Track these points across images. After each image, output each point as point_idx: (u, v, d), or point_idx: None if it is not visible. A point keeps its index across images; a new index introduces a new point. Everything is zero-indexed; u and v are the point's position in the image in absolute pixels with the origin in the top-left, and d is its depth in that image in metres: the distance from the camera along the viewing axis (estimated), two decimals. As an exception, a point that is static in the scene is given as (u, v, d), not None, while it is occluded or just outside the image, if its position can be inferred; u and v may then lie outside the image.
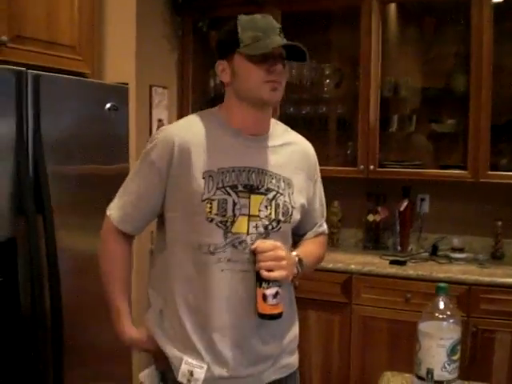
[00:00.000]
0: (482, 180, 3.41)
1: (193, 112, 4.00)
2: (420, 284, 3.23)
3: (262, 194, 1.73)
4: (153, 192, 1.74)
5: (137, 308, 2.34)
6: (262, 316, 1.66)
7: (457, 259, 3.54)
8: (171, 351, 1.75)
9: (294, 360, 1.90)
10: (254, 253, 1.67)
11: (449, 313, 1.59)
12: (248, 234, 1.71)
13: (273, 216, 1.74)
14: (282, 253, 1.67)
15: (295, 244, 1.90)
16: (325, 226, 2.02)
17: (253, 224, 1.71)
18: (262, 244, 1.67)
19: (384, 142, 3.71)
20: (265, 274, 1.63)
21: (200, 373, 1.70)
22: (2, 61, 2.31)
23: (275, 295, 1.64)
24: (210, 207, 1.67)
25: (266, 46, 1.63)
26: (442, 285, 1.61)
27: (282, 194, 1.76)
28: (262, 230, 1.72)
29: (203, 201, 1.67)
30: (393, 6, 3.75)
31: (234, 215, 1.69)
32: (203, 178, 1.68)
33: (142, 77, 3.59)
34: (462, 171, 3.47)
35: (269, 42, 1.64)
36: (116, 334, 1.83)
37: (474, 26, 3.37)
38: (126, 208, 1.79)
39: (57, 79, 2.45)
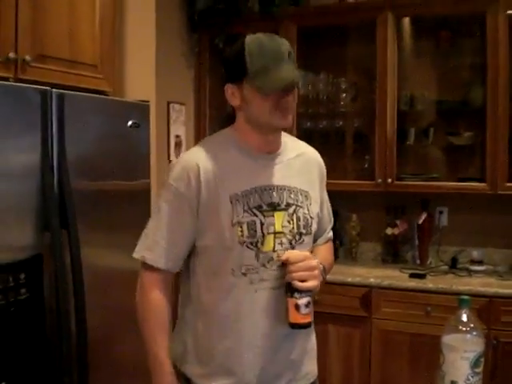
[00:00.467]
0: (500, 192, 3.40)
1: (210, 128, 4.09)
2: (440, 297, 3.21)
3: (283, 209, 1.76)
4: (185, 222, 1.72)
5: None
6: (294, 326, 1.67)
7: (476, 272, 3.52)
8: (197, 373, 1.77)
9: (314, 368, 1.92)
10: (283, 264, 1.68)
11: (472, 325, 1.59)
12: (274, 250, 1.73)
13: (295, 230, 1.77)
14: (314, 262, 1.69)
15: None
16: (331, 233, 2.04)
17: (278, 241, 1.73)
18: (293, 254, 1.68)
19: (401, 155, 3.71)
20: (298, 284, 1.63)
21: None
22: (25, 80, 2.36)
23: (307, 305, 1.65)
24: (241, 230, 1.69)
25: (275, 80, 1.63)
26: (465, 297, 1.61)
27: (301, 207, 1.79)
28: (287, 245, 1.75)
29: (234, 225, 1.69)
30: (408, 20, 3.76)
31: (263, 235, 1.71)
32: (230, 202, 1.70)
33: (159, 93, 3.63)
34: (480, 183, 3.46)
35: (278, 76, 1.63)
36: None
37: (489, 38, 3.37)
38: (160, 244, 1.73)
39: (80, 98, 2.48)
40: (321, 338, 1.96)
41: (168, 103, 3.78)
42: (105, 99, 2.80)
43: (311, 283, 1.65)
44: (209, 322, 1.76)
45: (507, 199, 3.50)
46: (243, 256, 1.70)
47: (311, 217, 1.81)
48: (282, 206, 1.75)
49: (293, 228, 1.76)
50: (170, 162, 3.75)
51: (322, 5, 3.90)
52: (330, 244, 2.04)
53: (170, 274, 1.78)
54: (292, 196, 1.78)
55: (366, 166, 3.88)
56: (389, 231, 3.87)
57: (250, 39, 1.68)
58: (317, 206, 1.86)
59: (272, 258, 1.72)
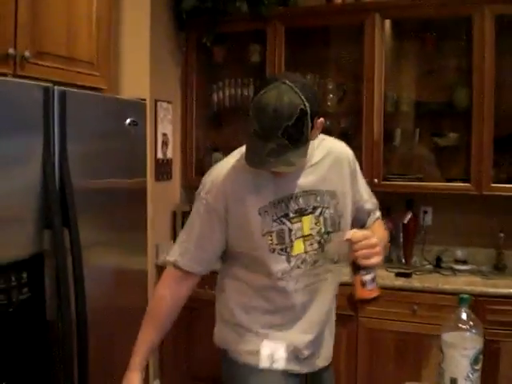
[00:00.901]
0: (485, 192, 3.45)
1: (196, 127, 4.06)
2: (426, 296, 3.25)
3: (310, 213, 1.83)
4: (214, 234, 1.83)
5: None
6: (362, 301, 1.74)
7: (460, 271, 3.58)
8: (245, 347, 1.87)
9: (331, 351, 2.06)
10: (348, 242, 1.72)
11: (471, 323, 1.62)
12: (306, 252, 1.82)
13: (322, 230, 1.85)
14: (374, 240, 1.72)
15: None
16: (378, 213, 2.10)
17: (308, 243, 1.82)
18: (354, 234, 1.71)
19: (387, 155, 3.75)
20: (363, 261, 1.69)
21: (282, 352, 1.84)
22: (24, 76, 2.34)
23: (372, 280, 1.71)
24: (271, 239, 1.78)
25: (249, 160, 1.66)
26: (465, 296, 1.64)
27: (327, 208, 1.86)
28: (316, 245, 1.84)
29: (264, 235, 1.77)
30: (394, 22, 3.78)
31: (291, 240, 1.80)
32: (259, 214, 1.77)
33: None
34: (466, 184, 3.51)
35: (254, 158, 1.65)
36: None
37: (475, 40, 3.41)
38: (191, 250, 1.85)
39: (81, 95, 2.48)
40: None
41: (155, 101, 3.77)
42: (104, 97, 2.79)
43: (375, 260, 1.71)
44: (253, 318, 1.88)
45: (491, 200, 3.55)
46: (276, 262, 1.79)
47: (339, 215, 1.88)
48: (309, 210, 1.83)
49: (320, 229, 1.84)
50: (156, 160, 3.74)
51: (309, 5, 3.92)
52: (380, 222, 2.11)
53: (191, 274, 1.86)
54: (318, 199, 1.85)
55: (353, 166, 3.89)
56: (374, 231, 3.88)
57: (257, 99, 1.64)
58: (347, 200, 1.92)
59: (305, 259, 1.82)
